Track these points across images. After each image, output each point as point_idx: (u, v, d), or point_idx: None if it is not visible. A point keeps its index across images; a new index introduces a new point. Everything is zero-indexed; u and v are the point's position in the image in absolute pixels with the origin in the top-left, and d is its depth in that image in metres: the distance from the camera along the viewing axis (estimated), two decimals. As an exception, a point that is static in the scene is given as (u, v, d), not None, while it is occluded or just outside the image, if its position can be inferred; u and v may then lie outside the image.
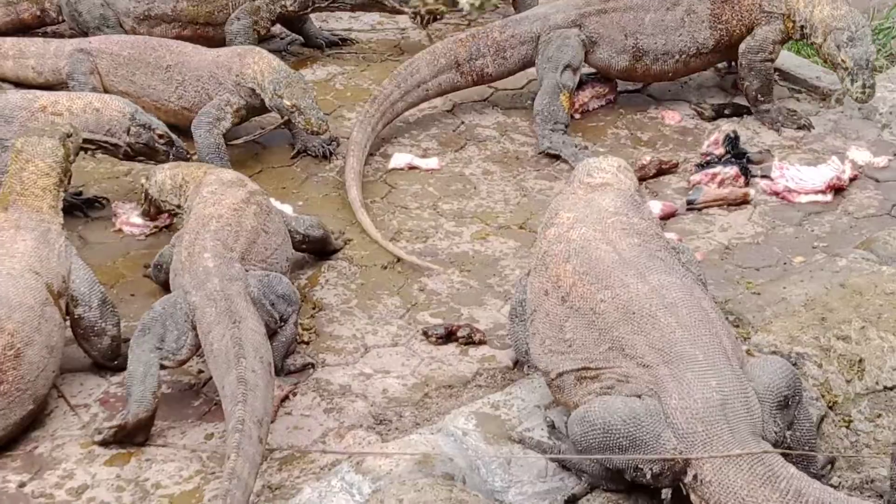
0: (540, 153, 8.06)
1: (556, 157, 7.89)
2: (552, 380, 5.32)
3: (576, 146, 7.98)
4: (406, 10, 9.40)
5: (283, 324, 5.95)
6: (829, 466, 5.21)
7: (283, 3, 9.10)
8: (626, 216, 5.59)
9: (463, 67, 8.45)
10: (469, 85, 8.59)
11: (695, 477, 4.74)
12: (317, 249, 6.92)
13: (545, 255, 5.54)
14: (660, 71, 8.41)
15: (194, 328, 5.65)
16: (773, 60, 8.21)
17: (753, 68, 8.13)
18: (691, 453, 4.73)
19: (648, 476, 4.86)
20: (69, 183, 6.54)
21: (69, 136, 6.48)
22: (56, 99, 7.31)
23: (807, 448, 5.00)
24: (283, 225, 6.55)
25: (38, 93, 7.47)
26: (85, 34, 8.93)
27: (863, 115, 8.18)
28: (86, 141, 7.07)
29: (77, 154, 6.63)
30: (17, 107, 7.24)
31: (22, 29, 9.28)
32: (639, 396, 4.92)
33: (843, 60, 7.63)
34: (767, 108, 8.25)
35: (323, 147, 8.02)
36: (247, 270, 5.94)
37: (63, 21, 9.28)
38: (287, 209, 7.17)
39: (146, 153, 7.33)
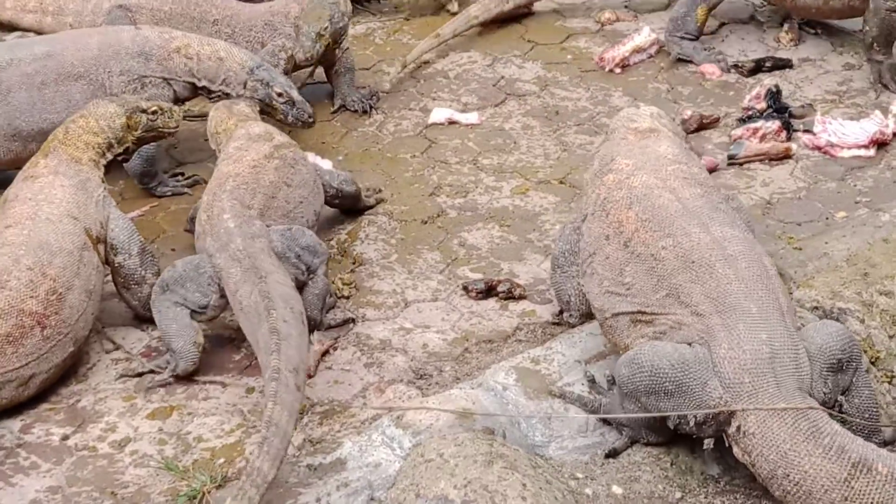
0: (672, 59, 8.37)
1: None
2: (606, 319, 5.35)
3: (706, 50, 8.27)
4: None
5: (311, 275, 5.96)
6: None
7: None
8: (686, 165, 5.65)
9: None
10: None
11: (738, 428, 4.76)
12: (349, 205, 6.91)
13: (605, 201, 5.55)
14: (804, 4, 8.39)
15: (220, 290, 5.70)
16: None
17: (878, 14, 7.90)
18: (737, 404, 4.74)
19: (692, 424, 4.86)
20: (124, 154, 6.60)
21: (140, 111, 6.54)
22: (189, 42, 7.37)
23: (866, 417, 4.98)
24: (312, 178, 6.54)
25: (175, 33, 7.48)
26: None
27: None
28: (204, 90, 7.32)
29: (149, 132, 6.60)
30: (155, 45, 7.29)
31: None
32: (689, 344, 4.93)
33: None
34: (880, 60, 8.02)
35: (363, 102, 8.01)
36: (268, 226, 5.95)
37: None
38: (326, 164, 7.17)
39: (262, 110, 7.32)
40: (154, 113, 6.56)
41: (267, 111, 7.33)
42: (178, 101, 7.31)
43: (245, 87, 7.31)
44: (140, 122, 6.52)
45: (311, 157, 7.04)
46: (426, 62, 8.61)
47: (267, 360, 5.12)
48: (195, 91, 7.38)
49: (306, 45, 7.78)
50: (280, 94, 7.31)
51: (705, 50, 8.36)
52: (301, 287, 5.87)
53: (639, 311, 5.18)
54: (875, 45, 7.98)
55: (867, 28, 8.00)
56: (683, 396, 4.85)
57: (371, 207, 6.99)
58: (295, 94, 7.37)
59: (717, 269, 5.04)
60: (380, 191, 7.10)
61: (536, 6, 9.25)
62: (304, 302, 5.78)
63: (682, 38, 8.42)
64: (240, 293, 5.54)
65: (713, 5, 8.43)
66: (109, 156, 6.45)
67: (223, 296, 5.70)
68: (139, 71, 7.22)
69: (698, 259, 5.09)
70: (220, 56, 7.33)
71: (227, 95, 7.32)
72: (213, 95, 7.38)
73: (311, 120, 7.41)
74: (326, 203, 6.69)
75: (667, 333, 5.05)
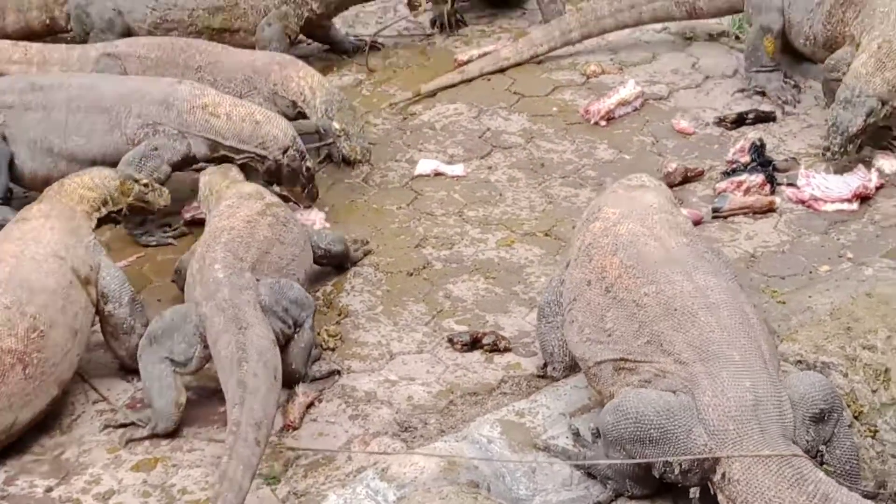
0: (741, 91, 8.65)
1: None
2: (589, 367, 5.36)
3: (783, 83, 8.48)
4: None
5: (298, 328, 5.94)
6: (881, 492, 5.21)
7: (309, 6, 9.12)
8: (672, 214, 5.69)
9: None
10: (682, 17, 9.20)
11: (723, 475, 4.77)
12: (337, 263, 6.91)
13: (589, 247, 5.58)
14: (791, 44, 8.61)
15: (204, 340, 5.68)
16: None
17: (827, 84, 8.02)
18: (722, 450, 4.76)
19: (677, 472, 4.87)
20: (117, 215, 6.70)
21: (134, 181, 6.73)
22: (220, 101, 7.40)
23: (847, 469, 5.00)
24: (303, 237, 6.57)
25: (207, 89, 7.52)
26: (86, 38, 8.97)
27: (889, 123, 8.11)
28: (234, 150, 7.30)
29: (139, 201, 6.76)
30: (182, 98, 7.34)
31: (31, 36, 9.20)
32: (673, 392, 4.95)
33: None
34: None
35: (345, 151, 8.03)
36: (258, 280, 5.96)
37: (72, 30, 9.27)
38: (319, 216, 7.23)
39: (287, 178, 7.39)
40: (146, 186, 6.70)
41: (288, 179, 7.39)
42: (193, 156, 7.35)
43: (284, 154, 7.33)
44: (132, 190, 6.65)
45: (302, 214, 7.12)
46: (412, 113, 8.66)
47: (230, 411, 5.15)
48: (215, 149, 7.34)
49: (361, 147, 7.93)
50: (308, 169, 7.39)
51: (782, 83, 8.54)
52: (288, 340, 5.88)
53: (622, 359, 5.19)
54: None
55: (825, 98, 8.14)
56: (668, 444, 4.87)
57: (359, 261, 6.99)
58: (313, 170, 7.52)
59: (700, 317, 5.07)
60: (366, 242, 7.11)
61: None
62: (290, 355, 5.83)
63: (758, 71, 8.59)
64: (219, 343, 5.54)
65: (776, 33, 8.53)
66: (104, 210, 6.51)
67: (207, 346, 5.68)
68: (155, 118, 7.26)
69: (680, 307, 5.12)
70: (257, 119, 7.36)
71: (261, 158, 7.35)
72: (241, 156, 7.38)
73: (317, 197, 7.55)
74: (315, 262, 6.71)
75: (651, 381, 5.06)
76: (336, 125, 7.80)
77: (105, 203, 6.55)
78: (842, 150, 7.44)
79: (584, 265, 5.55)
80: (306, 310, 5.99)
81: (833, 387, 5.07)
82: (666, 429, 4.86)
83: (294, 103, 7.88)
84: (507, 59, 9.17)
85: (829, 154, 7.51)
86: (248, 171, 7.30)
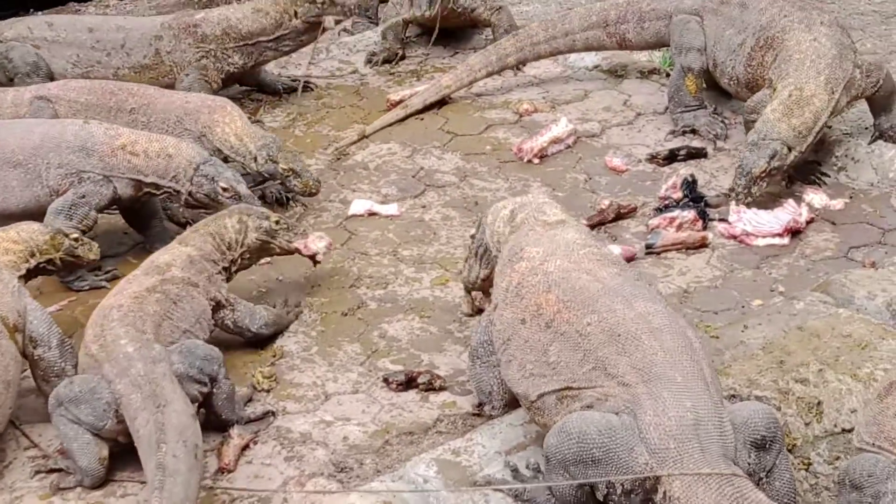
0: (672, 133, 8.74)
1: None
2: (532, 402, 5.34)
3: (710, 117, 8.67)
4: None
5: (215, 383, 5.83)
6: None
7: (230, 60, 9.16)
8: (596, 248, 5.70)
9: (610, 28, 9.23)
10: (612, 47, 9.40)
11: (664, 494, 4.77)
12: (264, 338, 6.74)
13: (519, 287, 5.56)
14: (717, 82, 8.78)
15: (118, 416, 5.53)
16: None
17: (746, 125, 8.05)
18: (662, 469, 4.77)
19: (620, 493, 4.87)
20: (48, 266, 6.60)
21: (63, 235, 6.62)
22: (136, 139, 7.37)
23: (786, 501, 5.02)
24: (194, 313, 6.26)
25: (121, 130, 7.48)
26: (11, 82, 8.92)
27: (818, 158, 8.21)
28: (152, 185, 7.29)
29: (69, 255, 6.66)
30: (100, 141, 7.29)
31: None
32: (616, 414, 4.95)
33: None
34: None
35: (280, 193, 8.02)
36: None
37: None
38: (323, 244, 7.05)
39: (208, 204, 7.38)
40: (76, 240, 6.64)
41: (212, 206, 7.34)
42: (118, 198, 7.32)
43: (192, 183, 7.32)
44: (62, 244, 6.57)
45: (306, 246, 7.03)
46: (346, 154, 8.67)
47: (149, 497, 5.06)
48: (139, 188, 7.34)
49: (313, 180, 7.92)
50: (225, 189, 7.33)
51: (709, 118, 8.71)
52: (208, 396, 5.82)
53: (566, 388, 5.19)
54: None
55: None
56: (611, 464, 4.87)
57: (290, 324, 6.83)
58: (242, 188, 7.40)
59: (644, 341, 5.09)
60: (298, 304, 6.98)
61: (454, 95, 9.38)
62: (216, 407, 5.80)
63: (684, 111, 8.72)
64: (138, 421, 5.40)
65: (697, 72, 8.66)
66: (32, 262, 6.42)
67: (121, 421, 5.53)
68: (78, 166, 7.21)
69: (624, 332, 5.13)
70: (169, 153, 7.34)
71: (177, 192, 7.34)
72: (160, 192, 7.38)
73: (313, 191, 7.69)
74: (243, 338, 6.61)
75: (594, 406, 5.07)
76: (282, 166, 7.79)
77: (32, 255, 6.44)
78: (745, 190, 7.55)
79: (514, 305, 5.55)
80: (216, 361, 5.86)
81: (776, 416, 5.08)
82: (608, 448, 4.86)
83: (219, 151, 7.86)
84: (447, 87, 9.27)
85: (733, 194, 7.64)
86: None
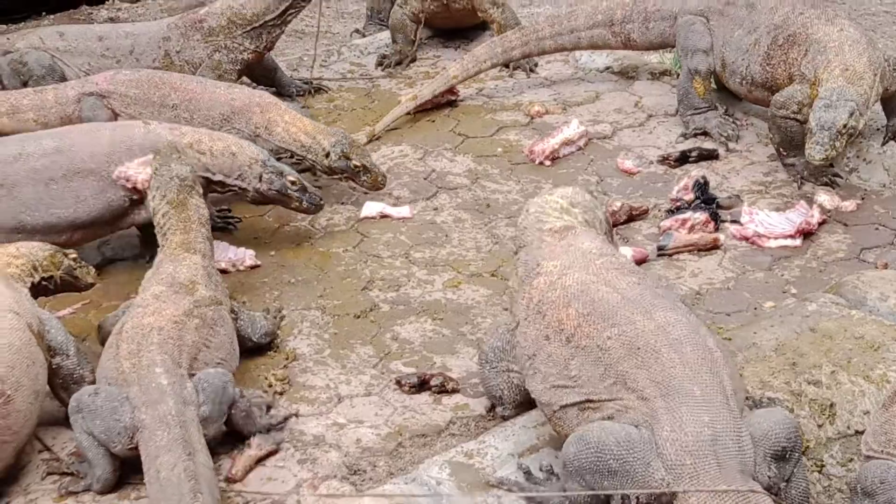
0: (683, 136, 8.71)
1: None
2: (554, 412, 5.34)
3: (721, 118, 8.63)
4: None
5: (231, 408, 5.74)
6: None
7: (242, 48, 9.17)
8: (613, 256, 5.67)
9: (615, 27, 9.23)
10: (617, 47, 9.39)
11: None
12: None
13: (539, 304, 5.52)
14: (725, 84, 8.77)
15: (133, 443, 5.44)
16: (797, 120, 7.81)
17: (774, 121, 7.97)
18: (678, 485, 4.76)
19: None
20: (49, 284, 6.47)
21: (63, 255, 6.52)
22: (199, 137, 7.37)
23: None
24: (228, 337, 6.22)
25: (184, 128, 7.49)
26: (25, 86, 8.89)
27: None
28: (218, 184, 7.33)
29: (68, 275, 6.53)
30: (167, 140, 7.21)
31: None
32: (635, 426, 4.95)
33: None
34: (792, 163, 8.07)
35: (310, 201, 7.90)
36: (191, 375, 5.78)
37: (5, 87, 9.11)
38: (250, 254, 7.16)
39: (278, 199, 7.48)
40: (75, 260, 6.57)
41: (280, 200, 7.47)
42: None
43: (261, 180, 7.37)
44: (62, 263, 6.46)
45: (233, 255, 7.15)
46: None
47: None
48: (208, 186, 7.30)
49: (382, 175, 8.04)
50: (293, 182, 7.41)
51: (719, 119, 8.68)
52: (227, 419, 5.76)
53: (586, 401, 5.18)
54: (782, 149, 8.08)
55: (771, 135, 8.13)
56: (627, 476, 4.86)
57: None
58: (304, 181, 7.52)
59: (663, 354, 5.07)
60: (280, 310, 6.92)
61: (463, 93, 9.45)
62: (236, 426, 5.75)
63: (694, 114, 8.70)
64: (160, 460, 5.27)
65: (704, 74, 8.66)
66: (36, 277, 6.31)
67: (133, 448, 5.45)
68: None
69: (644, 345, 5.12)
70: (233, 151, 7.37)
71: (244, 189, 7.40)
72: (225, 190, 7.43)
73: (322, 203, 7.63)
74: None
75: (613, 417, 5.07)
76: (355, 162, 7.83)
77: (35, 268, 6.32)
78: (830, 143, 7.32)
79: (537, 322, 5.50)
80: (230, 386, 5.74)
81: (797, 425, 5.06)
82: (625, 460, 4.85)
83: (283, 149, 7.92)
84: (455, 77, 9.30)
85: (811, 153, 7.38)
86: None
